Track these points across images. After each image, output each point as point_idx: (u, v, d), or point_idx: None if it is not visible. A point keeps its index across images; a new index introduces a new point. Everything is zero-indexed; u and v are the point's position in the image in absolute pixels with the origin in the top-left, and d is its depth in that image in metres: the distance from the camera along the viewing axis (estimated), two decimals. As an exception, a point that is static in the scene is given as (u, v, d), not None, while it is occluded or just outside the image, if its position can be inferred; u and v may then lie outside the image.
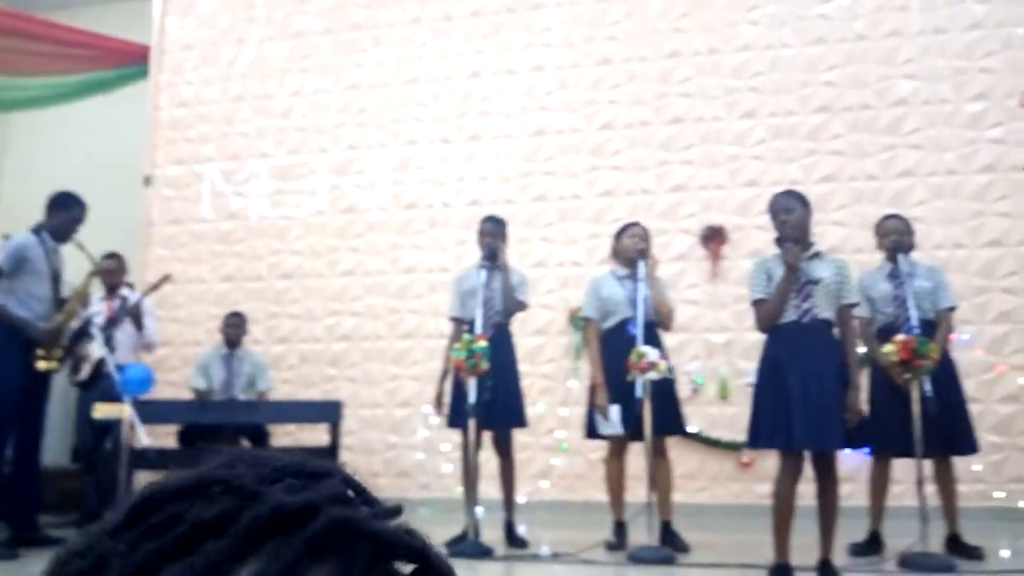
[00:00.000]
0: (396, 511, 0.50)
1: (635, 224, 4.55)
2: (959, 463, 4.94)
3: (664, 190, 6.15)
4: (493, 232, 4.58)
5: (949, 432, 3.95)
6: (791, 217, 3.46)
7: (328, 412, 6.06)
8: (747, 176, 6.02)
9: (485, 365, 4.14)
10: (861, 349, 4.05)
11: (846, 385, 3.36)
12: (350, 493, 0.50)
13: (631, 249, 4.39)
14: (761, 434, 3.42)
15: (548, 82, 6.45)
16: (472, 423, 4.20)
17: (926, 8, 5.94)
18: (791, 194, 3.56)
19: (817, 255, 3.48)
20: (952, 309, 4.19)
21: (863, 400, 3.65)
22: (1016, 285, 5.35)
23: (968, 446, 4.06)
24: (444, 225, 6.41)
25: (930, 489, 3.91)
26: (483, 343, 4.15)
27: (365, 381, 6.42)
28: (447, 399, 4.51)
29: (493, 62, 6.56)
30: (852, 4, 6.05)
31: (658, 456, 4.24)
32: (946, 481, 4.07)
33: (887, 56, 5.96)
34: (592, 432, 4.41)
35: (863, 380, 3.77)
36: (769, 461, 5.51)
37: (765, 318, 3.45)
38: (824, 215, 5.91)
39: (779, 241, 3.50)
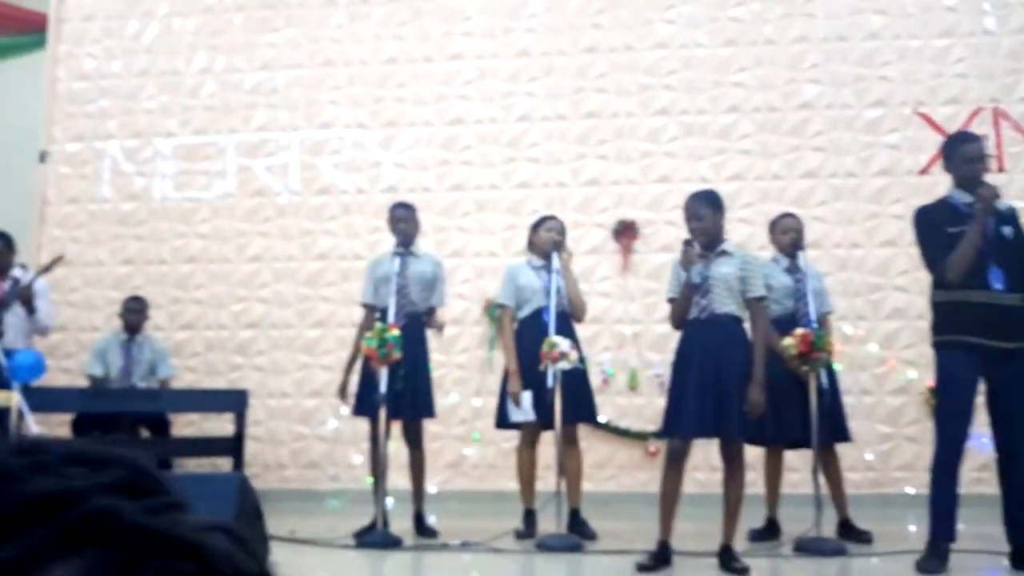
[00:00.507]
0: (182, 503, 0.46)
1: (552, 218, 4.63)
2: (851, 452, 5.19)
3: (579, 184, 6.22)
4: (406, 218, 4.53)
5: (833, 423, 4.16)
6: (700, 225, 3.58)
7: (233, 401, 5.90)
8: (659, 172, 6.16)
9: (397, 354, 4.10)
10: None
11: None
12: (148, 485, 0.46)
13: (547, 241, 4.44)
14: (669, 423, 3.54)
15: (467, 71, 6.42)
16: (382, 413, 4.15)
17: (831, 16, 6.20)
18: (702, 198, 3.65)
19: (724, 253, 3.58)
20: (830, 313, 4.48)
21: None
22: (908, 283, 5.66)
23: (845, 435, 4.28)
24: (358, 212, 6.31)
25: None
26: (396, 332, 4.11)
27: (273, 370, 6.26)
28: (353, 388, 4.44)
29: (411, 48, 6.48)
30: (762, 9, 6.25)
31: (569, 444, 4.30)
32: (833, 469, 4.28)
33: (794, 60, 6.19)
34: (503, 421, 4.45)
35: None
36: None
37: (673, 316, 3.63)
38: (732, 213, 6.06)
39: (686, 242, 3.60)
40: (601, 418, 5.53)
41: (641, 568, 3.52)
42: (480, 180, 6.30)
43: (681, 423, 3.48)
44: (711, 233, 3.58)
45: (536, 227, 4.59)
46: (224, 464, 5.70)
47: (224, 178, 6.50)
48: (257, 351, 6.30)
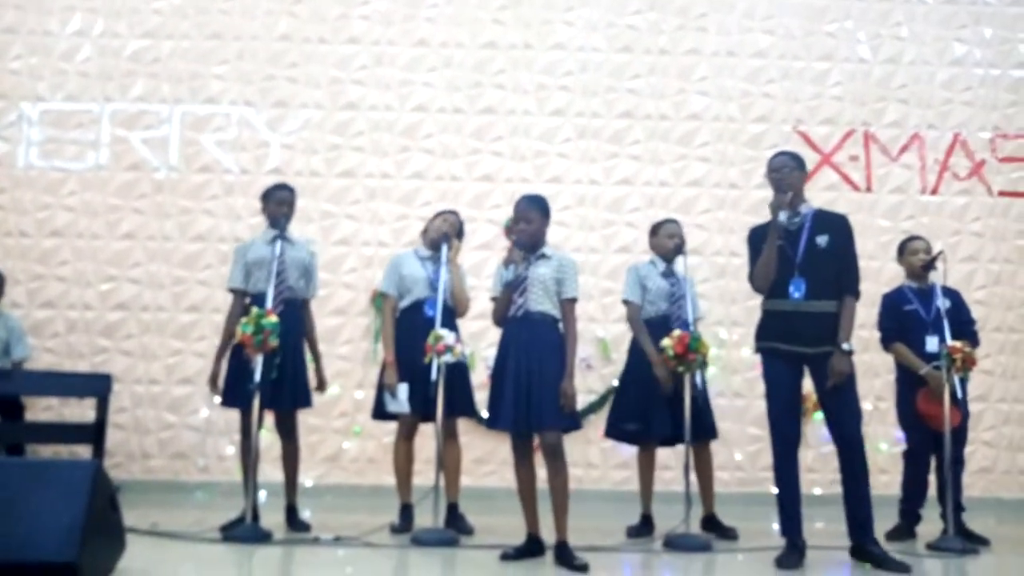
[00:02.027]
0: None
1: (453, 212, 4.61)
2: (721, 452, 5.39)
3: (473, 179, 6.21)
4: (290, 201, 4.38)
5: (704, 421, 4.33)
6: (529, 227, 3.69)
7: (94, 386, 5.57)
8: (552, 172, 6.22)
9: (274, 342, 3.95)
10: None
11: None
12: None
13: (437, 231, 4.41)
14: (491, 416, 3.68)
15: (362, 56, 6.28)
16: (255, 403, 3.99)
17: (722, 31, 6.42)
18: (534, 202, 3.73)
19: (543, 256, 3.70)
20: (700, 319, 4.64)
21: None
22: (779, 293, 5.92)
23: (713, 432, 4.48)
24: (241, 193, 6.07)
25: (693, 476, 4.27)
26: (273, 319, 3.96)
27: (142, 355, 5.95)
28: (222, 378, 4.25)
29: (305, 28, 6.28)
30: (658, 19, 6.41)
31: (449, 438, 4.28)
32: (705, 466, 4.45)
33: (685, 72, 6.37)
34: (379, 412, 4.38)
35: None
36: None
37: (495, 313, 3.75)
38: (619, 216, 6.24)
39: (516, 243, 3.69)
40: (485, 413, 5.53)
41: (504, 557, 3.59)
42: (372, 168, 6.19)
43: (500, 416, 3.60)
44: (535, 237, 3.71)
45: (433, 218, 4.56)
46: (84, 452, 5.37)
47: (97, 149, 6.12)
48: (125, 334, 5.97)
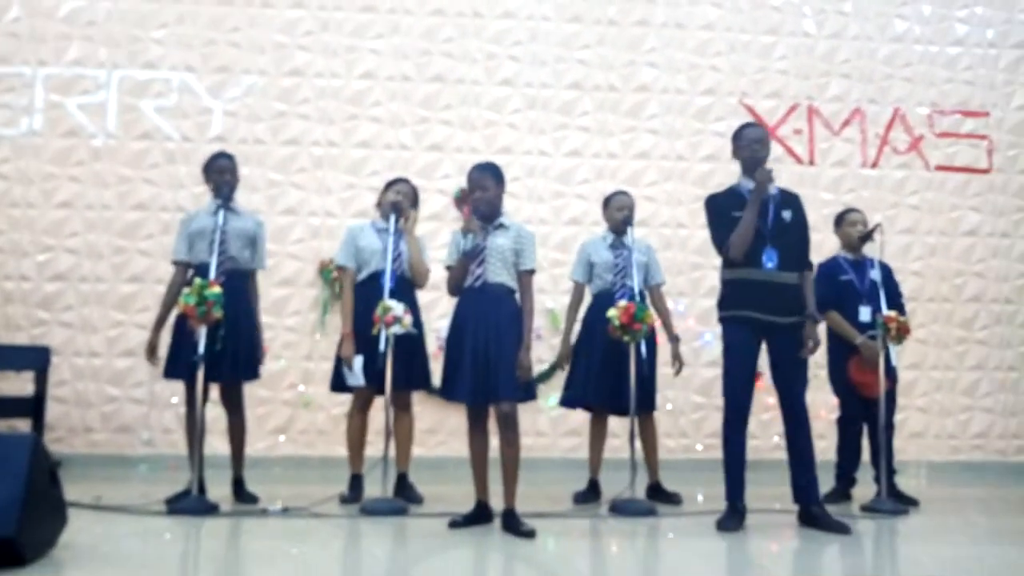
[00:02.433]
0: None
1: (404, 180, 4.55)
2: (667, 420, 5.50)
3: (422, 148, 6.16)
4: (231, 169, 4.29)
5: (648, 391, 4.42)
6: (485, 195, 3.66)
7: (32, 359, 5.47)
8: (502, 143, 6.20)
9: (218, 313, 3.89)
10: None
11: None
12: None
13: (389, 202, 4.37)
14: (446, 387, 3.67)
15: (308, 22, 6.16)
16: (199, 375, 3.94)
17: (670, 3, 6.44)
18: (487, 169, 3.71)
19: (501, 226, 3.70)
20: (661, 284, 4.69)
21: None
22: (724, 264, 6.03)
23: (652, 404, 4.55)
24: (183, 161, 5.94)
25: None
26: (216, 289, 3.90)
27: (82, 327, 5.81)
28: (164, 349, 4.19)
29: (249, -9, 6.12)
30: (607, -11, 6.40)
31: (400, 410, 4.29)
32: (649, 434, 4.54)
33: (634, 43, 6.39)
34: (338, 384, 4.36)
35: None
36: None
37: (450, 283, 3.72)
38: (568, 188, 6.27)
39: (475, 213, 3.69)
40: (436, 384, 5.55)
41: (452, 524, 3.64)
42: (318, 136, 6.09)
43: (456, 387, 3.61)
44: (493, 204, 3.68)
45: (386, 188, 4.50)
46: (24, 426, 5.25)
47: (30, 115, 5.91)
48: (64, 306, 5.82)
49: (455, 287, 3.68)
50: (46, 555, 2.92)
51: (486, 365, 3.55)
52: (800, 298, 3.84)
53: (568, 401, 4.59)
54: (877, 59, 6.58)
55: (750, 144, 3.87)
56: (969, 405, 6.39)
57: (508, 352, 3.54)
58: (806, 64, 6.51)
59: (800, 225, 3.88)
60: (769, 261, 3.74)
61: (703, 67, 6.42)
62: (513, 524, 3.55)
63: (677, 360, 4.56)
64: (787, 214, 3.84)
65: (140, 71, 6.01)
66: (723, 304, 3.88)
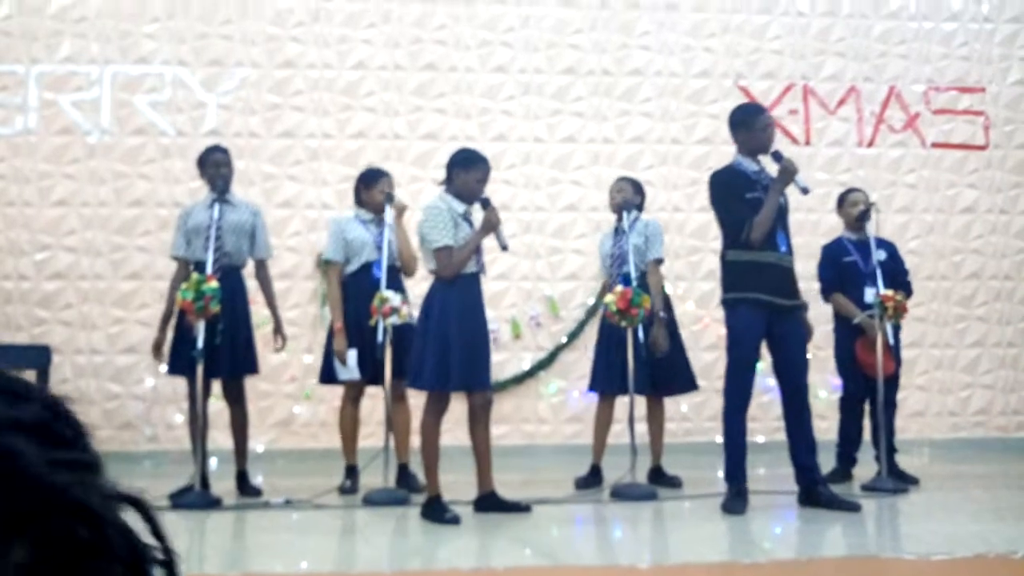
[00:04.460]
0: (94, 463, 0.40)
1: (383, 173, 4.53)
2: (667, 404, 5.52)
3: (416, 137, 6.14)
4: (225, 162, 4.29)
5: (666, 374, 4.41)
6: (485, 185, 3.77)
7: (33, 358, 5.47)
8: (497, 130, 6.18)
9: (215, 308, 3.90)
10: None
11: None
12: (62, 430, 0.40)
13: (385, 193, 4.36)
14: (423, 375, 3.65)
15: (299, 12, 6.12)
16: (199, 370, 3.96)
17: (663, -15, 6.41)
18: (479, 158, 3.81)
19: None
20: (659, 261, 4.57)
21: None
22: (722, 246, 6.03)
23: (688, 384, 4.55)
24: (179, 156, 5.92)
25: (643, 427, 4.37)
26: (213, 284, 3.91)
27: (82, 325, 5.82)
28: (168, 345, 4.22)
29: (239, -17, 6.09)
30: (599, -28, 6.36)
31: (398, 400, 4.30)
32: (656, 419, 4.55)
33: (627, 26, 6.36)
34: (328, 377, 4.38)
35: None
36: (505, 404, 5.82)
37: (453, 267, 3.61)
38: (564, 174, 6.25)
39: (486, 200, 3.72)
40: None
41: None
42: (313, 128, 6.08)
43: (450, 375, 3.59)
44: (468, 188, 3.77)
45: (367, 184, 4.47)
46: (25, 425, 5.27)
47: (25, 113, 5.88)
48: (64, 304, 5.82)
49: (456, 272, 3.61)
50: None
51: (472, 351, 3.57)
52: (797, 282, 3.87)
53: (595, 387, 4.60)
54: (872, 37, 6.55)
55: (766, 128, 3.86)
56: (969, 382, 6.40)
57: (488, 339, 3.68)
58: (800, 43, 6.49)
59: (788, 209, 3.93)
60: (783, 244, 3.76)
61: (697, 49, 6.39)
62: (505, 503, 3.59)
63: (656, 345, 4.33)
64: (783, 198, 3.86)
65: (133, 66, 5.99)
66: (730, 287, 3.83)
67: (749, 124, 3.90)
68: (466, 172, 3.70)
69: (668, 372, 4.44)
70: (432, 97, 6.17)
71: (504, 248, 3.73)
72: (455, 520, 3.51)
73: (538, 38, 6.28)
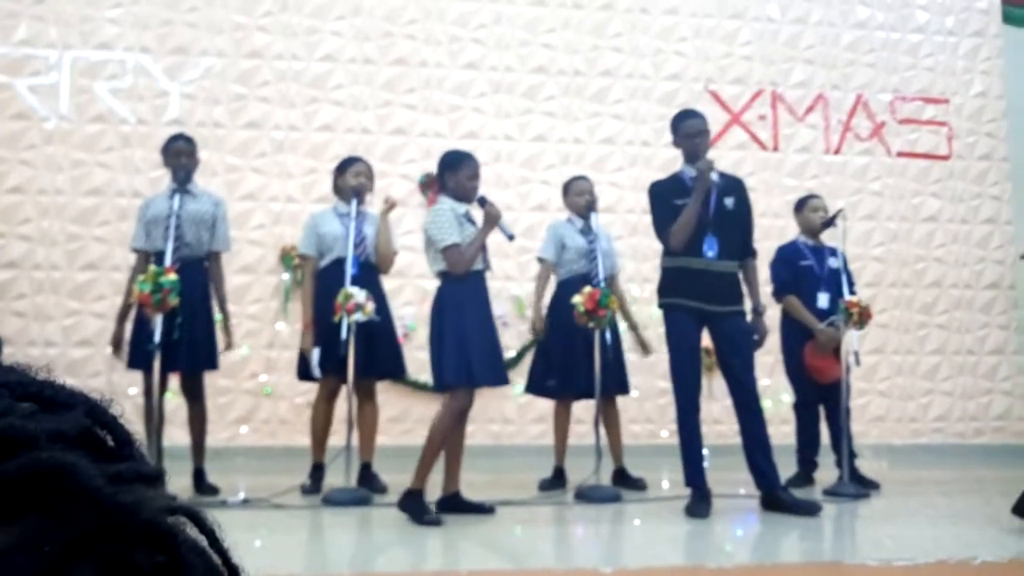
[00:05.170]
0: (155, 475, 0.37)
1: (359, 160, 4.42)
2: (632, 405, 5.51)
3: (385, 132, 6.07)
4: (188, 151, 4.18)
5: (615, 375, 4.41)
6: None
7: (-15, 348, 5.29)
8: (467, 127, 6.13)
9: (174, 301, 3.80)
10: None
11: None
12: (106, 439, 0.37)
13: (351, 186, 4.28)
14: (445, 375, 3.58)
15: (267, 2, 6.02)
16: (156, 364, 3.85)
17: (636, -13, 6.41)
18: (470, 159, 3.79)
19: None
20: (617, 275, 4.79)
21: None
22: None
23: (624, 387, 4.55)
24: (139, 145, 5.78)
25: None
26: (172, 276, 3.80)
27: (36, 316, 5.65)
28: (127, 338, 4.11)
29: (206, -30, 5.96)
30: (572, -28, 6.34)
31: (364, 398, 4.23)
32: (613, 420, 4.54)
33: (599, 27, 6.35)
34: (305, 373, 4.29)
35: None
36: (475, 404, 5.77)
37: (463, 263, 3.58)
38: (534, 174, 6.22)
39: (481, 201, 3.69)
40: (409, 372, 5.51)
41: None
42: (279, 119, 5.97)
43: (473, 371, 3.54)
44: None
45: (342, 170, 4.39)
46: (-28, 419, 5.10)
47: (-25, 97, 5.71)
48: (17, 294, 5.65)
49: (466, 268, 3.58)
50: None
51: (492, 347, 3.60)
52: (738, 286, 3.82)
53: (533, 389, 4.57)
54: (840, 45, 6.62)
55: (687, 137, 3.84)
56: (930, 389, 6.49)
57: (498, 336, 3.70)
58: (770, 49, 6.53)
59: (743, 212, 3.86)
60: (710, 250, 3.73)
61: (668, 52, 6.40)
62: (469, 504, 3.57)
63: (644, 347, 4.58)
64: (729, 201, 3.80)
65: (93, 52, 5.83)
66: (663, 292, 3.87)
67: (675, 131, 3.91)
68: (455, 172, 3.69)
69: (614, 373, 4.45)
70: (402, 92, 6.10)
71: (511, 238, 3.74)
72: (435, 522, 3.41)
73: (510, 36, 6.24)
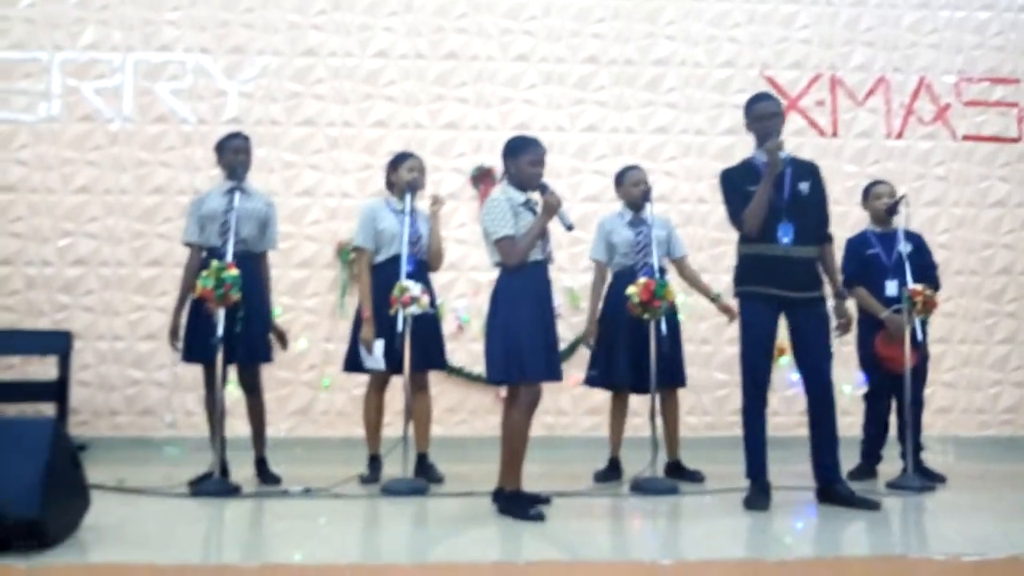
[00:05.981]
0: None
1: (411, 155, 4.44)
2: (690, 398, 5.45)
3: (437, 126, 6.10)
4: (246, 149, 4.26)
5: (671, 367, 4.36)
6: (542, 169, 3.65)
7: (55, 343, 5.52)
8: (518, 119, 6.13)
9: (236, 295, 3.88)
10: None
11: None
12: None
13: (405, 181, 4.31)
14: (496, 369, 3.52)
15: (321, 1, 6.10)
16: (219, 357, 3.94)
17: (688, -26, 6.31)
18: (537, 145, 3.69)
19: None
20: (685, 256, 4.69)
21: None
22: (746, 239, 5.94)
23: (681, 380, 4.49)
24: (199, 143, 5.93)
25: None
26: (234, 272, 3.88)
27: (104, 311, 5.84)
28: (183, 332, 4.19)
29: (261, -29, 6.07)
30: (623, -40, 6.28)
31: (418, 390, 4.26)
32: (671, 412, 4.49)
33: (651, 15, 6.28)
34: (353, 365, 4.34)
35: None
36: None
37: (519, 254, 3.52)
38: (585, 164, 6.19)
39: (542, 188, 3.60)
40: (455, 364, 5.56)
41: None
42: (334, 116, 6.05)
43: (552, 365, 3.54)
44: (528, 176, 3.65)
45: (395, 165, 4.42)
46: (49, 410, 5.31)
47: (48, 100, 5.92)
48: (86, 290, 5.85)
49: (521, 259, 3.50)
50: (71, 537, 2.94)
51: (547, 341, 3.53)
52: (817, 273, 3.77)
53: (592, 380, 4.56)
54: (902, 26, 6.43)
55: (759, 119, 3.77)
56: (998, 379, 6.28)
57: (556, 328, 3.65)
58: (828, 33, 6.37)
59: (818, 197, 3.79)
60: (785, 236, 3.67)
61: (721, 39, 6.30)
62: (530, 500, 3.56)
63: (728, 311, 4.50)
64: (804, 186, 3.75)
65: (155, 54, 5.99)
66: (739, 280, 3.82)
67: (746, 116, 3.84)
68: (517, 158, 3.60)
69: (670, 365, 4.38)
70: (453, 86, 6.13)
71: (569, 228, 3.59)
72: (539, 517, 3.38)
73: (560, 27, 6.22)
